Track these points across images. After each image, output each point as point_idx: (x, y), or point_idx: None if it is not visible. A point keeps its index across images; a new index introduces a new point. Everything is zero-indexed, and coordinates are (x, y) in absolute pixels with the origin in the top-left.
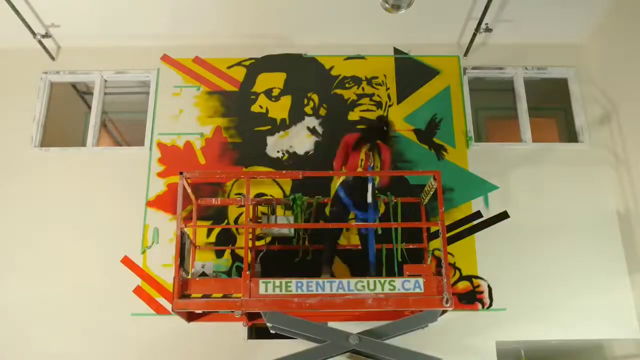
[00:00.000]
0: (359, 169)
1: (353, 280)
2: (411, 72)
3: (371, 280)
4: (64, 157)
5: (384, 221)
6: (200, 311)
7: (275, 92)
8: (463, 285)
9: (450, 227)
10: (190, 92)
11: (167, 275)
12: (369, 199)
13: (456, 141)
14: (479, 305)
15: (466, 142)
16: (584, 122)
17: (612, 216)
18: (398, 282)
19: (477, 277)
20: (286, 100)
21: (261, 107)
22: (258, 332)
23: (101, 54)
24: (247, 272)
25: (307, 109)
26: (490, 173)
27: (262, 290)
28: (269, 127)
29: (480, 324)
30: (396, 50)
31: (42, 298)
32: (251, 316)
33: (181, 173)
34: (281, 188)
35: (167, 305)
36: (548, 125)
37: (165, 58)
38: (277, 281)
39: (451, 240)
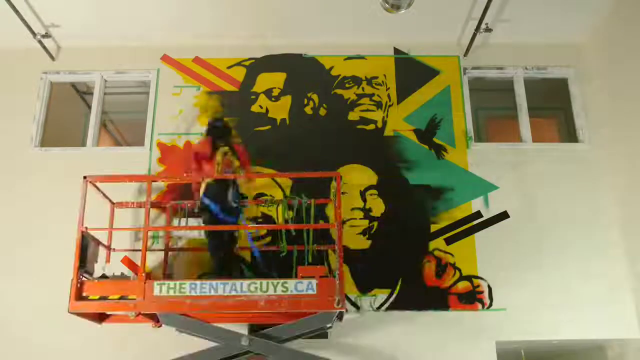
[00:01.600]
0: (217, 174)
1: (246, 282)
2: (411, 72)
3: (264, 281)
4: (64, 157)
5: (298, 222)
6: (95, 312)
7: (276, 92)
8: (463, 285)
9: (450, 227)
10: (190, 92)
11: None
12: (233, 204)
13: (456, 141)
14: (479, 305)
15: (466, 142)
16: (584, 122)
17: (612, 216)
18: (291, 283)
19: (477, 277)
20: (286, 100)
21: (261, 107)
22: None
23: (101, 54)
24: (143, 274)
25: (307, 109)
26: (490, 173)
27: (156, 292)
28: (269, 127)
29: (480, 324)
30: (396, 50)
31: (42, 298)
32: (156, 317)
33: (85, 177)
34: (281, 189)
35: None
36: (548, 125)
37: (165, 58)
38: (172, 283)
39: (451, 240)
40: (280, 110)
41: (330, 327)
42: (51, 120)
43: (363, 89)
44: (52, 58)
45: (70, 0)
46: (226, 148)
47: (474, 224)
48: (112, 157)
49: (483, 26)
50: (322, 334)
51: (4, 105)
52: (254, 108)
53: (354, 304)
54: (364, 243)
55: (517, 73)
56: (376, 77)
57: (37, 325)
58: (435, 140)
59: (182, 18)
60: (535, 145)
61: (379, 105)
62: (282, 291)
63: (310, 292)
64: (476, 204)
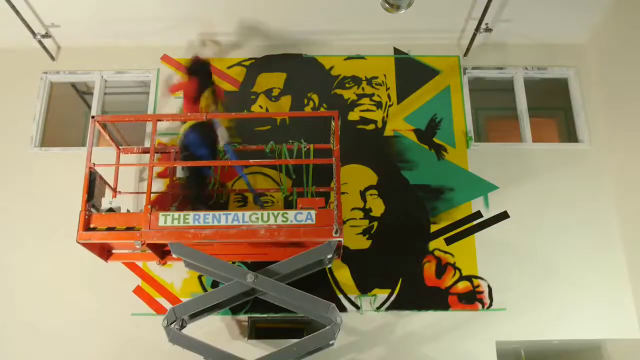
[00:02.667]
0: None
1: (248, 213)
2: (411, 72)
3: (265, 212)
4: (63, 157)
5: (298, 167)
6: (102, 241)
7: (275, 92)
8: (463, 285)
9: (450, 227)
10: None
11: (167, 276)
12: (222, 143)
13: (456, 141)
14: (479, 305)
15: (466, 142)
16: (584, 122)
17: (612, 216)
18: (291, 214)
19: (477, 277)
20: (286, 101)
21: (261, 107)
22: (258, 332)
23: (101, 54)
24: (149, 206)
25: (307, 109)
26: (490, 173)
27: (161, 222)
28: (269, 127)
29: (480, 324)
30: (396, 50)
31: (42, 298)
32: (161, 253)
33: (93, 116)
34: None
35: (168, 306)
36: (548, 125)
37: (165, 58)
38: (176, 214)
39: (451, 240)
40: (280, 110)
41: (332, 345)
42: (51, 120)
43: (363, 89)
44: (52, 58)
45: (70, 0)
46: (210, 90)
47: (474, 224)
48: (113, 157)
49: (483, 26)
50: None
51: (4, 105)
52: (254, 108)
53: (354, 304)
54: (364, 243)
55: (517, 73)
56: (376, 77)
57: (38, 325)
58: (435, 140)
59: (182, 18)
60: (535, 145)
61: (379, 105)
62: (282, 221)
63: (309, 221)
64: (476, 204)
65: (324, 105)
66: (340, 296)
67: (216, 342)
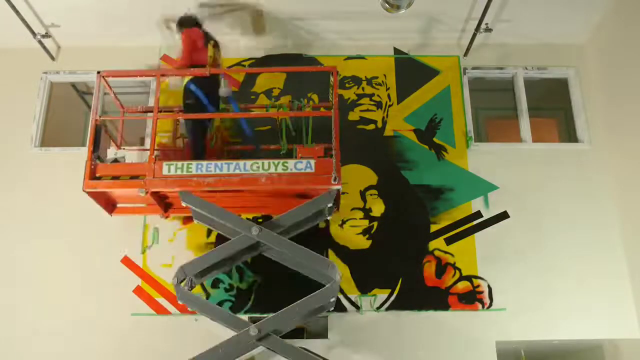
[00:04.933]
0: (208, 66)
1: (249, 162)
2: (411, 72)
3: (266, 161)
4: (63, 157)
5: (298, 126)
6: (108, 190)
7: (275, 93)
8: (463, 285)
9: (450, 227)
10: None
11: (167, 276)
12: (222, 93)
13: (456, 141)
14: (479, 305)
15: (466, 142)
16: (584, 122)
17: (612, 216)
18: (291, 163)
19: (477, 277)
20: (286, 101)
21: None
22: None
23: (101, 54)
24: (153, 156)
25: (307, 110)
26: (490, 173)
27: (165, 171)
28: (269, 127)
29: (480, 324)
30: (396, 50)
31: (43, 298)
32: (165, 206)
33: (98, 72)
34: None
35: (168, 306)
36: (548, 125)
37: (165, 58)
38: (179, 163)
39: (451, 240)
40: (281, 111)
41: (330, 310)
42: (51, 120)
43: (363, 89)
44: (52, 58)
45: (70, 0)
46: (214, 42)
47: (474, 224)
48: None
49: (483, 26)
50: (322, 333)
51: (4, 105)
52: (254, 109)
53: (354, 304)
54: (364, 243)
55: (517, 73)
56: (376, 77)
57: (38, 326)
58: (435, 140)
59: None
60: (535, 145)
61: (379, 105)
62: (283, 169)
63: (308, 170)
64: (476, 204)
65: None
66: (340, 296)
67: (217, 341)
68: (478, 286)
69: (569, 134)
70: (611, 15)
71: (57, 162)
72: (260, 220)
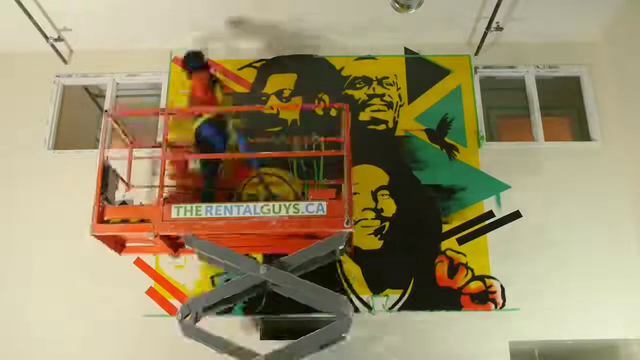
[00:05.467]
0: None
1: (260, 204)
2: (422, 71)
3: (277, 203)
4: (77, 159)
5: (308, 162)
6: (116, 234)
7: (286, 93)
8: (476, 285)
9: (462, 227)
10: None
11: (179, 277)
12: (233, 132)
13: (468, 141)
14: (492, 305)
15: (478, 141)
16: (597, 121)
17: (626, 214)
18: (302, 205)
19: (489, 277)
20: (297, 101)
21: (272, 108)
22: (272, 332)
23: (113, 56)
24: (162, 199)
25: (318, 110)
26: (502, 172)
27: (174, 214)
28: (280, 127)
29: (493, 324)
30: (407, 50)
31: (57, 299)
32: (174, 245)
33: (106, 111)
34: (292, 189)
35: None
36: (560, 124)
37: (176, 60)
38: (189, 206)
39: (463, 240)
40: (291, 111)
41: (343, 249)
42: (64, 123)
43: (374, 89)
44: (65, 61)
45: (82, 4)
46: (219, 82)
47: (486, 224)
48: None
49: (494, 25)
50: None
51: (18, 108)
52: (265, 110)
53: (366, 305)
54: (375, 243)
55: (528, 72)
56: (387, 77)
57: (51, 327)
58: (447, 139)
59: (193, 20)
60: (547, 144)
61: (389, 105)
62: (294, 212)
63: (320, 212)
64: (488, 204)
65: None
66: (352, 296)
67: None
68: (491, 286)
69: (582, 133)
70: (623, 12)
71: (70, 164)
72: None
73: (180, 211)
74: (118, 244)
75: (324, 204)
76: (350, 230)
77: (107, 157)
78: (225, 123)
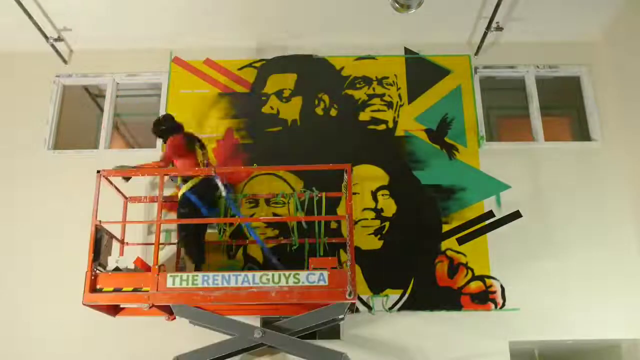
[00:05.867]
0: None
1: (258, 274)
2: (422, 71)
3: (276, 273)
4: (77, 159)
5: (308, 215)
6: (109, 303)
7: (286, 93)
8: (475, 285)
9: (462, 227)
10: (201, 94)
11: None
12: (224, 194)
13: (468, 140)
14: (492, 305)
15: (478, 141)
16: (597, 121)
17: (627, 214)
18: (303, 275)
19: (489, 277)
20: (297, 101)
21: (272, 108)
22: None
23: (113, 56)
24: (156, 267)
25: (318, 110)
26: (502, 172)
27: (169, 284)
28: (280, 127)
29: (493, 324)
30: (407, 50)
31: (57, 299)
32: (168, 308)
33: (98, 171)
34: (292, 189)
35: None
36: (560, 124)
37: (176, 60)
38: (185, 275)
39: (463, 240)
40: (291, 111)
41: (342, 319)
42: (64, 123)
43: (374, 89)
44: (65, 61)
45: (82, 4)
46: (198, 144)
47: (486, 224)
48: (125, 159)
49: (494, 25)
50: (335, 334)
51: (18, 108)
52: (265, 109)
53: (366, 305)
54: (375, 243)
55: (528, 72)
56: (387, 77)
57: (52, 327)
58: (447, 139)
59: (193, 20)
60: (547, 144)
61: (389, 105)
62: (294, 282)
63: (321, 283)
64: (488, 204)
65: (335, 105)
66: None
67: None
68: (491, 286)
69: (582, 133)
70: (623, 12)
71: (70, 164)
72: None
73: (175, 280)
74: (111, 308)
75: (325, 274)
76: (353, 301)
77: (100, 221)
78: (211, 184)
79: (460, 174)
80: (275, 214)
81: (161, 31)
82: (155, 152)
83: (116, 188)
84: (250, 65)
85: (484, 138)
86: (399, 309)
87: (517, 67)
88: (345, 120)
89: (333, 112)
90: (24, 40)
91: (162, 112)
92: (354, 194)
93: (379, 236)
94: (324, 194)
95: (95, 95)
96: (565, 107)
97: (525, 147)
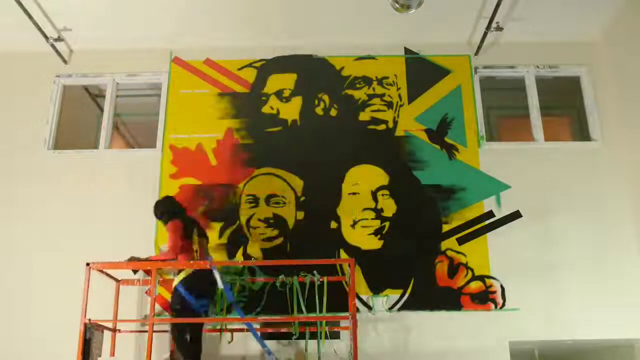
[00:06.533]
0: (196, 259)
1: None
2: (422, 71)
3: None
4: (77, 159)
5: (310, 299)
6: None
7: (286, 93)
8: (476, 285)
9: (462, 227)
10: (201, 94)
11: None
12: (220, 285)
13: (467, 140)
14: (492, 305)
15: (478, 141)
16: (597, 121)
17: (627, 214)
18: None
19: (489, 277)
20: (297, 101)
21: (272, 108)
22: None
23: (113, 56)
24: None
25: (318, 110)
26: (502, 172)
27: None
28: (280, 127)
29: (493, 324)
30: (407, 50)
31: (57, 299)
32: None
33: (87, 264)
34: (292, 189)
35: None
36: (560, 124)
37: (176, 60)
38: None
39: (463, 240)
40: (291, 111)
41: None
42: (64, 123)
43: (374, 89)
44: (65, 61)
45: (82, 4)
46: (196, 231)
47: (486, 224)
48: (125, 159)
49: (494, 25)
50: (335, 334)
51: (18, 108)
52: (265, 109)
53: (366, 305)
54: (375, 243)
55: (528, 72)
56: (387, 77)
57: (52, 327)
58: (447, 139)
59: (193, 20)
60: (547, 144)
61: (389, 105)
62: None
63: None
64: (488, 204)
65: (335, 105)
66: None
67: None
68: (491, 286)
69: (582, 133)
70: (623, 12)
71: (70, 164)
72: None
73: None
74: None
75: None
76: None
77: (89, 319)
78: (204, 274)
79: (460, 174)
80: (275, 214)
81: (161, 31)
82: (155, 152)
83: (107, 275)
84: (250, 65)
85: (484, 138)
86: (399, 309)
87: (517, 67)
88: (345, 120)
89: (333, 112)
90: (24, 40)
91: (162, 112)
92: (354, 194)
93: (379, 236)
94: (325, 279)
95: (95, 95)
96: (565, 107)
97: (525, 147)
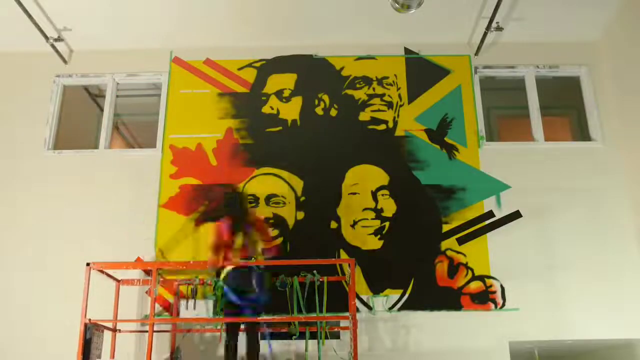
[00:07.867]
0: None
1: None
2: (422, 71)
3: None
4: (77, 159)
5: (310, 299)
6: None
7: (286, 93)
8: (476, 285)
9: (462, 227)
10: (201, 94)
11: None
12: (257, 289)
13: (468, 141)
14: (492, 305)
15: (478, 141)
16: (597, 121)
17: (627, 214)
18: None
19: (489, 277)
20: (297, 101)
21: (272, 108)
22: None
23: (113, 56)
24: None
25: (318, 110)
26: (502, 172)
27: None
28: (280, 127)
29: (493, 324)
30: (407, 50)
31: (57, 299)
32: None
33: (88, 264)
34: (292, 189)
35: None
36: (560, 124)
37: (176, 60)
38: None
39: (463, 240)
40: (291, 111)
41: None
42: (64, 123)
43: (374, 89)
44: (65, 61)
45: (82, 4)
46: (243, 230)
47: (486, 224)
48: (125, 159)
49: (494, 25)
50: (335, 334)
51: (18, 108)
52: (265, 109)
53: (366, 305)
54: (376, 243)
55: (528, 72)
56: (387, 77)
57: (52, 326)
58: (447, 139)
59: (193, 20)
60: (547, 144)
61: (389, 105)
62: None
63: None
64: (488, 204)
65: (335, 105)
66: None
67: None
68: (491, 286)
69: (582, 133)
70: (623, 12)
71: (70, 164)
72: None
73: None
74: None
75: None
76: None
77: (90, 319)
78: (247, 273)
79: (460, 174)
80: (275, 214)
81: (161, 31)
82: (155, 152)
83: (108, 275)
84: (250, 65)
85: (484, 138)
86: (399, 309)
87: (517, 67)
88: (345, 120)
89: (333, 112)
90: (24, 40)
91: (162, 112)
92: (354, 194)
93: (379, 236)
94: (325, 279)
95: (95, 95)
96: (565, 107)
97: (526, 147)
